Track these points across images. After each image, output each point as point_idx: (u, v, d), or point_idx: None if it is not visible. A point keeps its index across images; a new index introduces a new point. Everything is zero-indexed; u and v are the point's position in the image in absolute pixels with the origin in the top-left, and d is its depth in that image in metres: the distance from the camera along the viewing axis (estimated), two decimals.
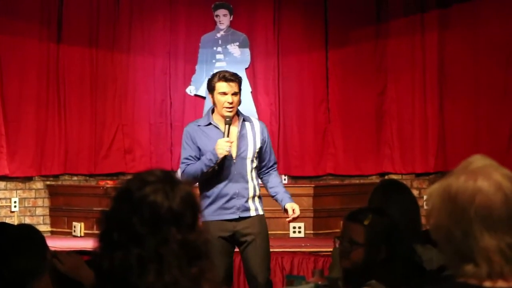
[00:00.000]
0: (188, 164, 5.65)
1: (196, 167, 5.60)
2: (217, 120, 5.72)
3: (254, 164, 5.77)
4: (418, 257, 3.97)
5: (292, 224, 8.79)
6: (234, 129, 5.73)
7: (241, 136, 5.74)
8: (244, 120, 5.80)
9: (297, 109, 10.20)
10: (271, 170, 5.90)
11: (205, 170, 5.57)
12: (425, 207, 7.49)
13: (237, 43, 10.14)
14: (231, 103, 5.64)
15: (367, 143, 9.98)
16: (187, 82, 10.22)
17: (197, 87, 10.16)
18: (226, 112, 5.64)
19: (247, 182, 5.71)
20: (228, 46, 10.13)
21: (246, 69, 10.09)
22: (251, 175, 5.74)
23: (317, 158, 10.15)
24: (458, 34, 9.60)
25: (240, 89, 5.74)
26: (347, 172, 10.08)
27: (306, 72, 10.23)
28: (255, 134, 5.79)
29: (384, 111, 9.98)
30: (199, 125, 5.77)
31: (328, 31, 10.22)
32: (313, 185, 9.33)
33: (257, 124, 5.88)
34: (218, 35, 10.17)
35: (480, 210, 1.90)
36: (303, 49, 10.21)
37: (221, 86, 5.66)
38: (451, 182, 1.94)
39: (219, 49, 10.14)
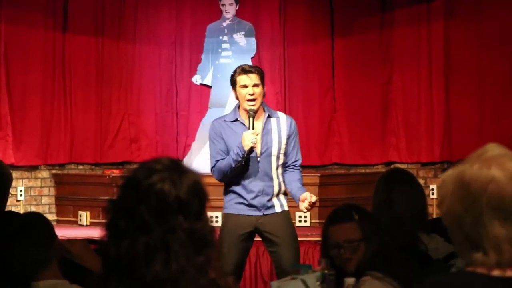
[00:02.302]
0: (218, 160, 5.50)
1: (225, 163, 5.44)
2: (243, 116, 5.55)
3: (280, 161, 5.60)
4: (424, 246, 3.97)
5: (298, 213, 8.80)
6: (259, 125, 5.55)
7: (266, 132, 5.57)
8: (269, 116, 5.61)
9: (302, 98, 10.19)
10: (291, 168, 5.68)
11: (233, 165, 5.41)
12: (431, 196, 7.48)
13: (243, 32, 10.11)
14: (252, 95, 5.47)
15: (372, 133, 9.98)
16: (193, 71, 10.21)
17: (203, 76, 10.15)
18: (248, 106, 5.47)
19: (271, 179, 5.57)
20: (234, 35, 10.11)
21: (252, 58, 10.07)
22: (277, 172, 5.59)
23: (323, 147, 10.15)
24: (463, 24, 9.58)
25: (262, 81, 5.55)
26: (353, 161, 10.07)
27: (312, 62, 10.21)
28: (280, 130, 5.62)
29: (389, 100, 9.97)
30: (225, 121, 5.60)
31: (333, 21, 10.21)
32: (318, 175, 9.32)
33: (283, 119, 5.68)
34: (224, 24, 10.15)
35: (492, 199, 1.89)
36: (308, 38, 10.20)
37: (241, 79, 5.51)
38: (465, 169, 1.93)
39: (225, 38, 10.12)
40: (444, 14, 9.67)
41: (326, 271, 3.66)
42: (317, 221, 8.93)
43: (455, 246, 1.97)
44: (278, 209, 5.63)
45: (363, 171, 9.94)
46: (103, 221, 2.21)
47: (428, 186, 9.32)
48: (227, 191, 5.62)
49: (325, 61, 10.19)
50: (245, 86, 5.50)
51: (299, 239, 7.77)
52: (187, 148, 10.09)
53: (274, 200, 5.61)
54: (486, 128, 9.35)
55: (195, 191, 2.16)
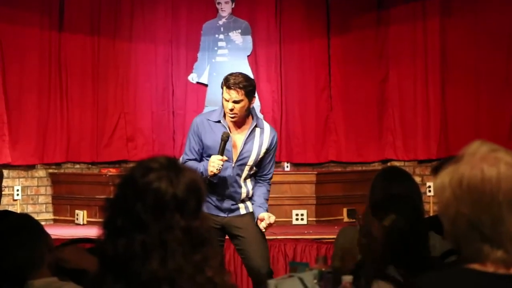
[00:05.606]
0: (188, 159, 5.53)
1: (195, 168, 5.33)
2: (227, 119, 5.51)
3: (253, 171, 5.60)
4: None
5: (294, 211, 8.81)
6: (241, 137, 5.52)
7: (247, 142, 5.53)
8: (256, 126, 5.56)
9: (299, 96, 10.18)
10: (263, 181, 5.67)
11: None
12: (428, 193, 7.45)
13: (239, 31, 10.11)
14: (231, 110, 5.43)
15: (369, 130, 9.97)
16: (189, 70, 10.20)
17: (199, 74, 10.14)
18: (229, 116, 5.45)
19: (240, 187, 5.57)
20: (230, 34, 10.11)
21: (248, 56, 10.07)
22: (247, 180, 5.60)
23: (319, 145, 10.14)
24: (459, 21, 9.58)
25: (247, 95, 5.42)
26: (349, 159, 10.07)
27: (308, 59, 10.20)
28: (262, 143, 5.56)
29: (386, 98, 9.97)
30: (208, 119, 5.57)
31: (330, 18, 10.20)
32: (315, 172, 9.33)
33: (267, 131, 5.61)
34: (220, 22, 10.15)
35: (507, 194, 1.94)
36: (305, 36, 10.18)
37: (224, 91, 5.46)
38: (463, 171, 1.96)
39: (221, 36, 10.11)
40: (440, 11, 9.67)
41: (323, 269, 3.66)
42: (314, 219, 8.94)
43: (465, 251, 1.98)
44: (242, 211, 5.64)
45: (359, 169, 9.94)
46: (100, 220, 2.21)
47: (425, 184, 9.33)
48: None
49: (321, 59, 10.18)
50: (226, 100, 5.46)
51: (296, 237, 7.82)
52: (183, 146, 10.06)
53: (240, 204, 5.63)
54: (482, 124, 9.35)
55: (192, 190, 2.17)
